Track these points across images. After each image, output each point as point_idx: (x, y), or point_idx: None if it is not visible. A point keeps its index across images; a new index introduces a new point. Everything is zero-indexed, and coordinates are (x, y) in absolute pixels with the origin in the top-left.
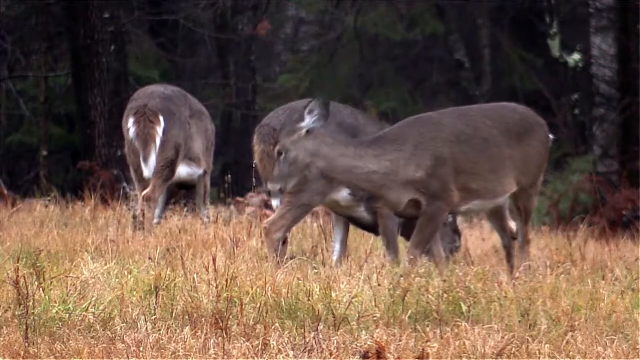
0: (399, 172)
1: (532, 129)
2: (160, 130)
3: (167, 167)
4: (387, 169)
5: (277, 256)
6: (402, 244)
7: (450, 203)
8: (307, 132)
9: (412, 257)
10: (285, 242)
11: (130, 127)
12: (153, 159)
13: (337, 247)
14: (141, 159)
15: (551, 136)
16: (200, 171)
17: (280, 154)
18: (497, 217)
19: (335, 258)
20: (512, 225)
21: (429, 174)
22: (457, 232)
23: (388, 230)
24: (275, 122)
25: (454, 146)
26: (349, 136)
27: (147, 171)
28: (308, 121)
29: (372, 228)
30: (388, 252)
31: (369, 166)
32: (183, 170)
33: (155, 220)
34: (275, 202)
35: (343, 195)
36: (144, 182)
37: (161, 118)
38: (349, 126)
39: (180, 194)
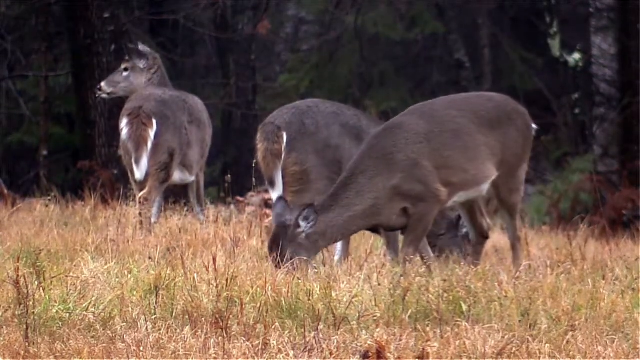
0: (380, 196)
1: (508, 117)
2: (152, 133)
3: (162, 170)
4: (373, 200)
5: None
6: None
7: (439, 201)
8: (306, 236)
9: (405, 256)
10: None
11: (123, 127)
12: (144, 161)
13: (338, 246)
14: (132, 160)
15: (534, 126)
16: (191, 178)
17: (283, 257)
18: (469, 210)
19: (336, 258)
20: (485, 222)
21: (405, 179)
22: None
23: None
24: (279, 121)
25: (422, 147)
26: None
27: (139, 173)
28: (304, 226)
29: (373, 229)
30: (388, 251)
31: (357, 208)
32: (176, 175)
33: (152, 220)
34: (275, 198)
35: None
36: (140, 184)
37: (154, 121)
38: (352, 127)
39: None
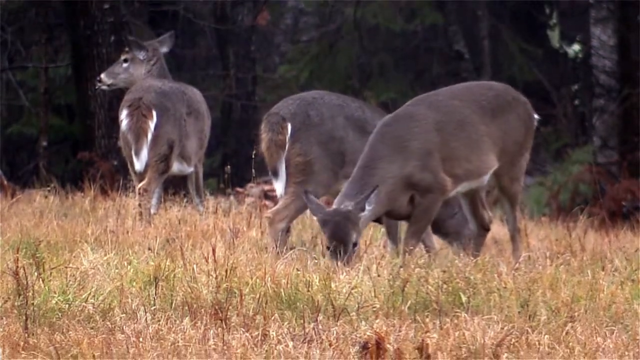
0: (397, 181)
1: (509, 105)
2: (152, 124)
3: (162, 161)
4: (392, 185)
5: (277, 246)
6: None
7: (444, 192)
8: (362, 221)
9: (408, 247)
10: (288, 231)
11: (123, 119)
12: (144, 152)
13: None
14: (132, 152)
15: (536, 116)
16: (190, 169)
17: (355, 244)
18: (471, 201)
19: None
20: (486, 214)
21: (419, 168)
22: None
23: (390, 219)
24: (284, 111)
25: (433, 136)
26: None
27: (139, 165)
28: (367, 209)
29: (375, 218)
30: (389, 240)
31: (382, 195)
32: (174, 166)
33: (152, 211)
34: (278, 189)
35: None
36: (139, 175)
37: (154, 113)
38: (357, 119)
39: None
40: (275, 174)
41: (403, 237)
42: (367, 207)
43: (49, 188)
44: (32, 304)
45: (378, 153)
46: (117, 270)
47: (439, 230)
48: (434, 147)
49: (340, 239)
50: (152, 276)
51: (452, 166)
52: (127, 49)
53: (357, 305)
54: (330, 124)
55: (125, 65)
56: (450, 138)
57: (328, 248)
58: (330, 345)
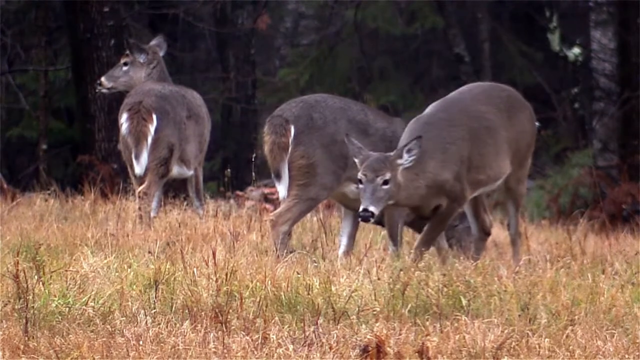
0: (436, 179)
1: (518, 107)
2: (152, 128)
3: (162, 164)
4: (432, 180)
5: (277, 249)
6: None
7: (464, 201)
8: (402, 170)
9: (417, 252)
10: (289, 234)
11: (123, 122)
12: (144, 156)
13: (344, 240)
14: (132, 155)
15: (537, 123)
16: (189, 173)
17: (386, 182)
18: (473, 205)
19: (340, 251)
20: (487, 219)
21: (454, 175)
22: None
23: (392, 221)
24: (287, 114)
25: (467, 144)
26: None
27: (139, 168)
28: (406, 158)
29: (378, 220)
30: (390, 242)
31: (421, 182)
32: (174, 170)
33: (152, 214)
34: (281, 191)
35: (351, 188)
36: (139, 178)
37: (154, 116)
38: (359, 122)
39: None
40: (278, 176)
41: (417, 242)
42: (405, 156)
43: (49, 191)
44: (32, 307)
45: (421, 148)
46: (117, 274)
47: None
48: (466, 155)
49: (373, 169)
50: (152, 279)
51: (477, 173)
52: (127, 52)
53: (357, 309)
54: (333, 127)
55: (125, 68)
56: (480, 145)
57: (360, 181)
58: (330, 348)
